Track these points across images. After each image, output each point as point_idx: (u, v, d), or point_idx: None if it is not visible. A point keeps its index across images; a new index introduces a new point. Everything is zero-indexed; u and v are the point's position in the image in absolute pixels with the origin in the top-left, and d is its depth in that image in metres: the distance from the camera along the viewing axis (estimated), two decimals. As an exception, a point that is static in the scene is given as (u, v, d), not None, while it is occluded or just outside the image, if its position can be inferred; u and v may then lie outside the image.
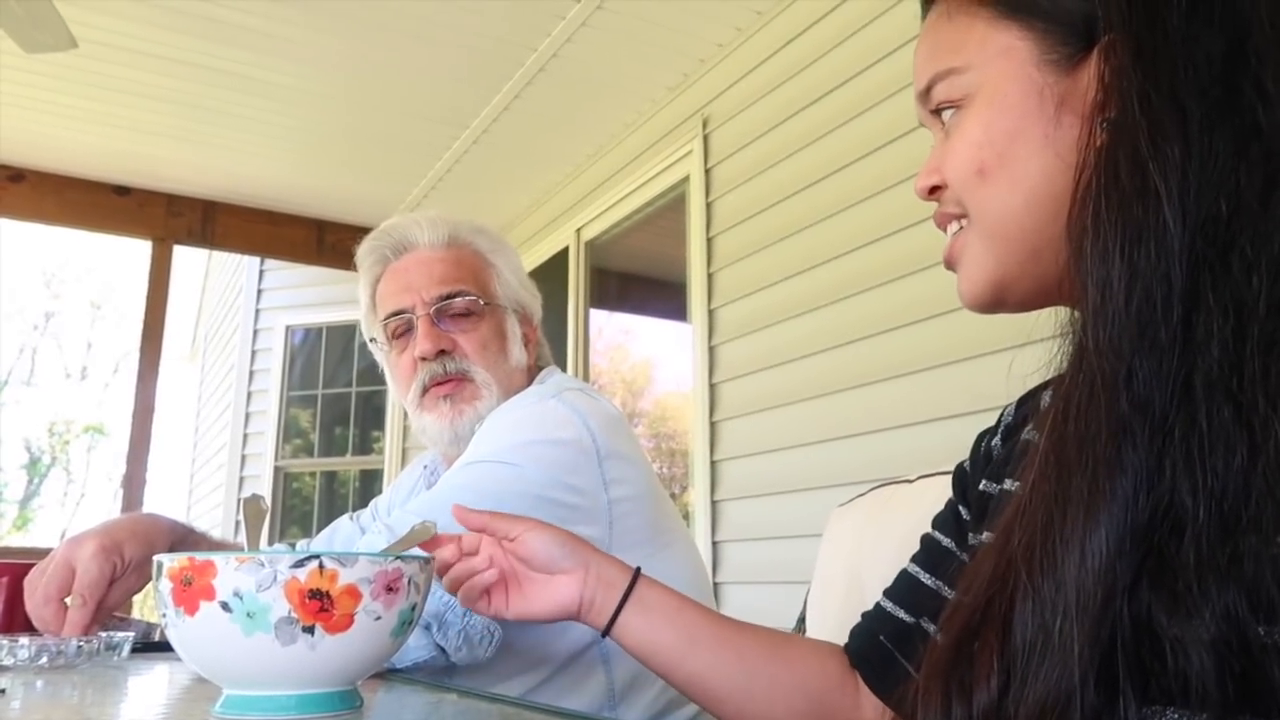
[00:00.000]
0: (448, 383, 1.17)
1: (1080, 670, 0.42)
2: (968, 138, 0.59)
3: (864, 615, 0.80)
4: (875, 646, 0.76)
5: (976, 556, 0.53)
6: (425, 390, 1.17)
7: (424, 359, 1.17)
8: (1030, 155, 0.57)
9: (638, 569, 0.80)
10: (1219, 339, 0.43)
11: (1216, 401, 0.42)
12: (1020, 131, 0.57)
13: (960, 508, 0.75)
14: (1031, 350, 0.63)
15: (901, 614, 0.76)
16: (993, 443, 0.73)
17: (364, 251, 1.25)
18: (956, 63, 0.61)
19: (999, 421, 0.74)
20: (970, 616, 0.50)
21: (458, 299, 1.18)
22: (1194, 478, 0.42)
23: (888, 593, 0.79)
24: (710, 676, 0.77)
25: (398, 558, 0.61)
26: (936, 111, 0.63)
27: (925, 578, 0.76)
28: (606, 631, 0.78)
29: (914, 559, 0.78)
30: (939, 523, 0.78)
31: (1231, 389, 0.42)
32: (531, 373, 1.25)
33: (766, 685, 0.77)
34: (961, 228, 0.63)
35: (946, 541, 0.75)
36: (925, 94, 0.63)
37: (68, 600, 0.94)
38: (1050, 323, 0.57)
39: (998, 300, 0.62)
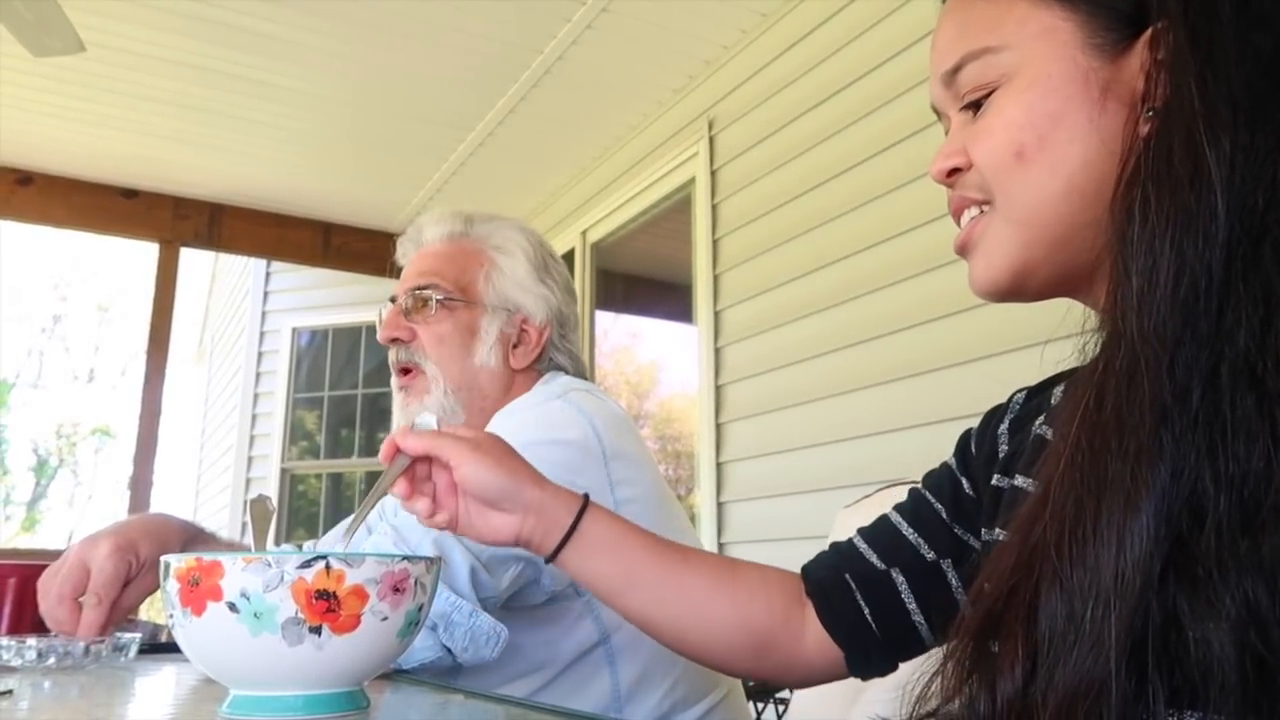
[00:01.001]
0: (406, 372, 1.22)
1: (1116, 657, 0.42)
2: (1006, 118, 0.58)
3: (833, 546, 0.80)
4: (837, 583, 0.76)
5: (997, 548, 0.53)
6: (395, 375, 1.24)
7: (384, 343, 1.23)
8: (1072, 140, 0.56)
9: (585, 501, 0.78)
10: (1246, 328, 0.43)
11: (1240, 390, 0.43)
12: (1063, 115, 0.56)
13: (962, 479, 0.75)
14: (1036, 352, 0.63)
15: (873, 558, 0.76)
16: (1000, 429, 0.72)
17: (398, 243, 1.32)
18: (993, 41, 0.59)
19: (1008, 405, 0.74)
20: (993, 605, 0.50)
21: (422, 291, 1.21)
22: (1216, 465, 0.42)
23: (864, 533, 0.79)
24: (647, 609, 0.78)
25: (404, 558, 0.61)
26: (957, 92, 0.61)
27: (907, 530, 0.76)
28: (547, 562, 0.79)
29: (898, 508, 0.78)
30: (931, 484, 0.78)
31: (1255, 377, 0.42)
32: (524, 375, 1.24)
33: (705, 622, 0.77)
34: (981, 213, 0.61)
35: (937, 505, 0.75)
36: (952, 74, 0.61)
37: (81, 600, 0.94)
38: (1058, 324, 0.57)
39: (1016, 288, 0.61)
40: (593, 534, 0.78)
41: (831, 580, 0.77)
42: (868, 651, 0.75)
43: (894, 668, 0.76)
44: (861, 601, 0.75)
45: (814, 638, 0.77)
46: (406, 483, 0.76)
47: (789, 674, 0.79)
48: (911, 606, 0.74)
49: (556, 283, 1.28)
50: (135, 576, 0.97)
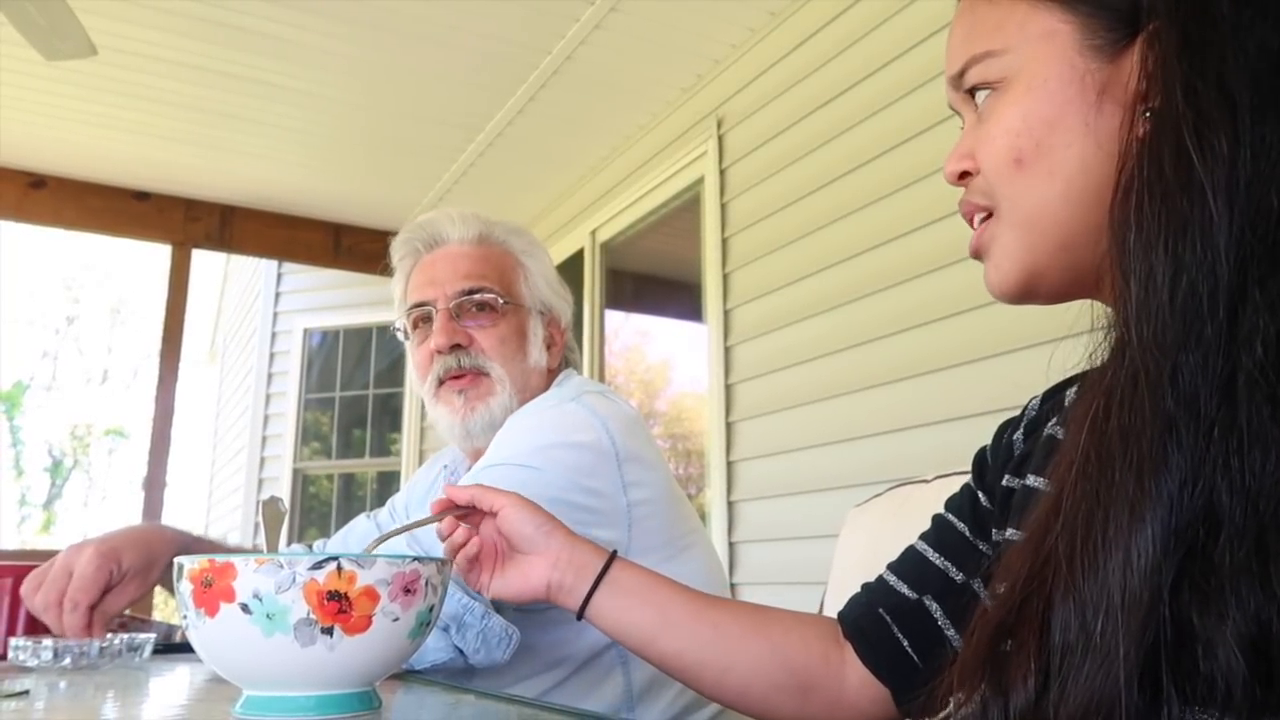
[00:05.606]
0: (463, 377, 1.18)
1: (1125, 672, 0.42)
2: (1005, 125, 0.58)
3: (864, 586, 0.79)
4: (873, 620, 0.75)
5: (1008, 554, 0.52)
6: (440, 383, 1.19)
7: (439, 352, 1.18)
8: (1069, 144, 0.56)
9: (613, 553, 0.81)
10: (1264, 336, 0.42)
11: (1257, 400, 0.42)
12: (1060, 120, 0.56)
13: (979, 494, 0.74)
14: (1047, 350, 0.63)
15: (905, 589, 0.75)
16: (1015, 436, 0.72)
17: (397, 244, 1.27)
18: (995, 45, 0.59)
19: (1022, 414, 0.73)
20: (1005, 615, 0.49)
21: (478, 294, 1.19)
22: (1231, 477, 0.41)
23: (892, 567, 0.78)
24: (686, 653, 0.77)
25: (415, 559, 0.61)
26: (971, 93, 0.62)
27: (933, 556, 0.75)
28: (580, 614, 0.79)
29: (923, 536, 0.77)
30: (953, 506, 0.77)
31: (1272, 388, 0.41)
32: (552, 375, 1.26)
33: (744, 660, 0.76)
34: (988, 217, 0.61)
35: (960, 526, 0.74)
36: (959, 77, 0.62)
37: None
38: (1068, 323, 0.56)
39: (1027, 291, 0.61)
40: (624, 580, 0.79)
41: (867, 618, 0.76)
42: (913, 684, 0.72)
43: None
44: (899, 634, 0.73)
45: (857, 679, 0.75)
46: (454, 520, 0.81)
47: None
48: (950, 633, 0.72)
49: (564, 287, 1.31)
50: (117, 583, 0.98)
